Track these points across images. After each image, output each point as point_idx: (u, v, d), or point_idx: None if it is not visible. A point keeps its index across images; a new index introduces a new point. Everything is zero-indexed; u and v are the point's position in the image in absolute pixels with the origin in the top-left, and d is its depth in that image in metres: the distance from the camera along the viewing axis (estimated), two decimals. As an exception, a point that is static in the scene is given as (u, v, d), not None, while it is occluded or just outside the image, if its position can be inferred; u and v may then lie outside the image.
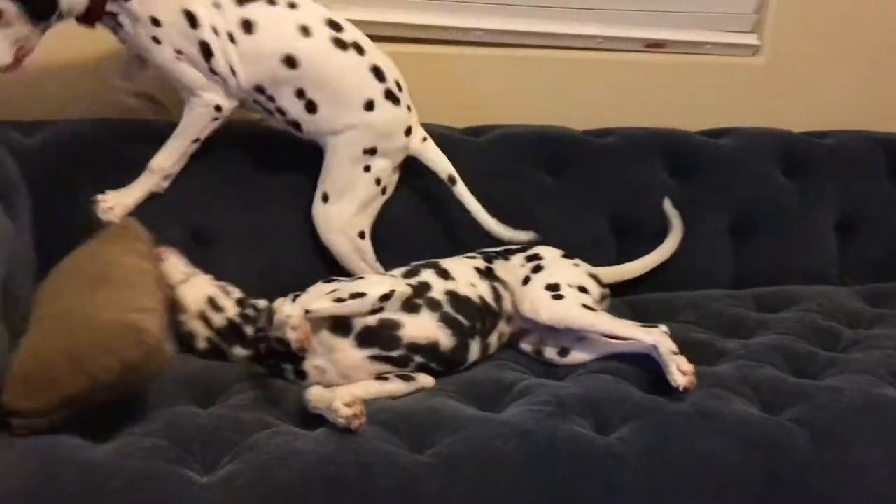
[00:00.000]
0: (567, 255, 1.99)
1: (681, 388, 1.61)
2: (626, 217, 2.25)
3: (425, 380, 1.69)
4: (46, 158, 1.91)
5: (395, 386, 1.66)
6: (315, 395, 1.50)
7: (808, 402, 1.66)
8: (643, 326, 1.77)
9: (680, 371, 1.63)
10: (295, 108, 1.89)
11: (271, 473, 1.35)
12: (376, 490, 1.38)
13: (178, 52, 1.82)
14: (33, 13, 1.66)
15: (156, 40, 1.81)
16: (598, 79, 2.44)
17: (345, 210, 1.94)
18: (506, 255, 1.98)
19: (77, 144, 1.95)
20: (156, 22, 1.80)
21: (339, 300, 1.65)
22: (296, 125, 1.92)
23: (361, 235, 1.97)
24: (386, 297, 1.68)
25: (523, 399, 1.63)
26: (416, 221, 2.12)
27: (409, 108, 1.99)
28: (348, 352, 1.68)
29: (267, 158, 2.06)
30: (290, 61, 1.85)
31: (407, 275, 1.82)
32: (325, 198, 1.94)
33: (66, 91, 2.03)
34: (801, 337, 1.96)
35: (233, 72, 1.84)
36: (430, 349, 1.71)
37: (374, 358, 1.69)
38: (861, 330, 2.05)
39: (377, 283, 1.74)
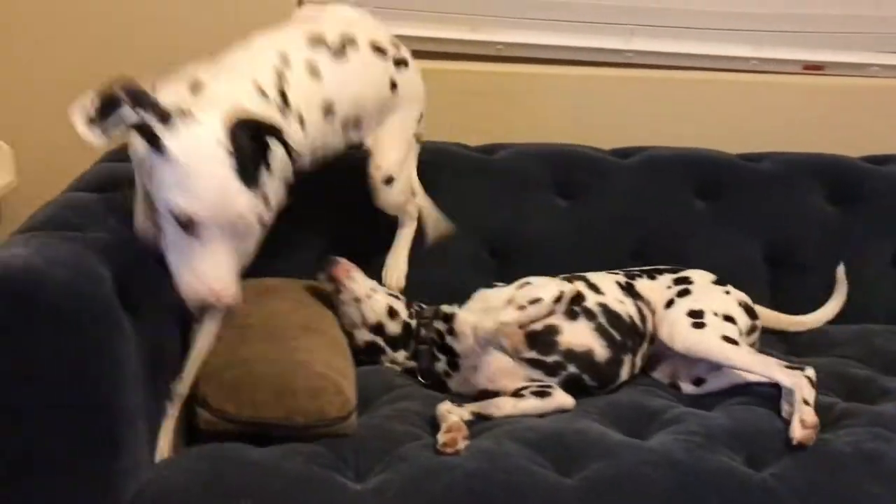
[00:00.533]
0: (719, 282, 1.93)
1: (795, 442, 1.52)
2: (782, 245, 2.17)
3: (564, 399, 1.68)
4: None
5: (530, 404, 1.66)
6: (440, 410, 1.57)
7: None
8: (786, 367, 1.68)
9: (801, 422, 1.54)
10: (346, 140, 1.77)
11: (421, 485, 1.38)
12: (520, 509, 1.38)
13: None
14: None
15: None
16: (753, 102, 2.38)
17: (405, 183, 1.89)
18: (652, 273, 1.95)
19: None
20: None
21: (522, 308, 1.67)
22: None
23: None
24: (558, 300, 1.69)
25: (671, 427, 1.60)
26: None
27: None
28: (504, 356, 1.69)
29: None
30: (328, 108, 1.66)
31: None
32: (389, 181, 1.84)
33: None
34: None
35: None
36: (585, 358, 1.71)
37: (529, 361, 1.70)
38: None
39: (545, 285, 1.75)
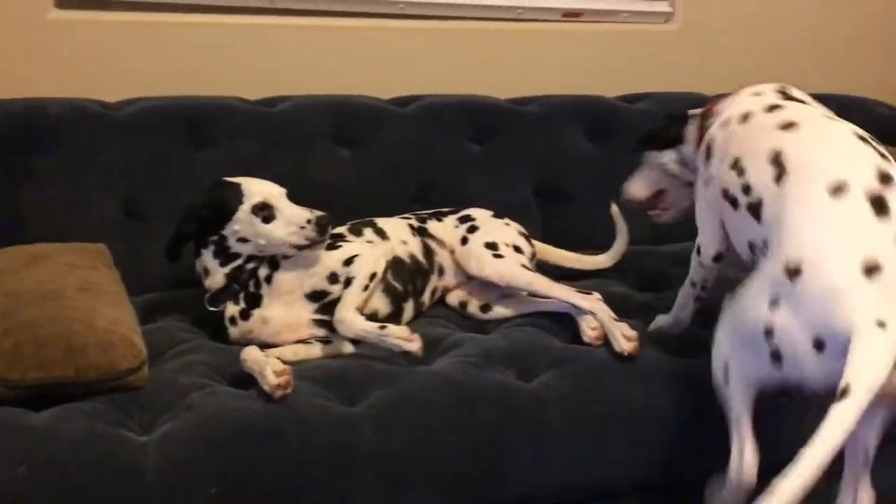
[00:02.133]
0: (497, 216, 2.07)
1: (625, 354, 1.68)
2: (550, 183, 2.34)
3: (348, 345, 1.73)
4: None
5: (315, 350, 1.73)
6: (251, 356, 1.56)
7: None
8: (579, 292, 1.84)
9: (625, 337, 1.70)
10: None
11: (209, 429, 1.41)
12: (312, 442, 1.44)
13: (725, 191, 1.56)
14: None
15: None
16: (518, 48, 2.52)
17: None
18: (438, 216, 2.05)
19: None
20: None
21: (367, 287, 1.74)
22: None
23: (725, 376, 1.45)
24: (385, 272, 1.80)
25: (451, 352, 1.72)
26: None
27: None
28: (303, 311, 1.74)
29: (203, 136, 2.10)
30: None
31: (352, 232, 1.90)
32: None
33: None
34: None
35: None
36: (369, 318, 1.75)
37: (316, 322, 1.75)
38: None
39: (378, 259, 1.80)
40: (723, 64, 2.70)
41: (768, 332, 1.27)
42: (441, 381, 1.59)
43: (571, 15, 2.61)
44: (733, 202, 1.50)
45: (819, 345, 1.22)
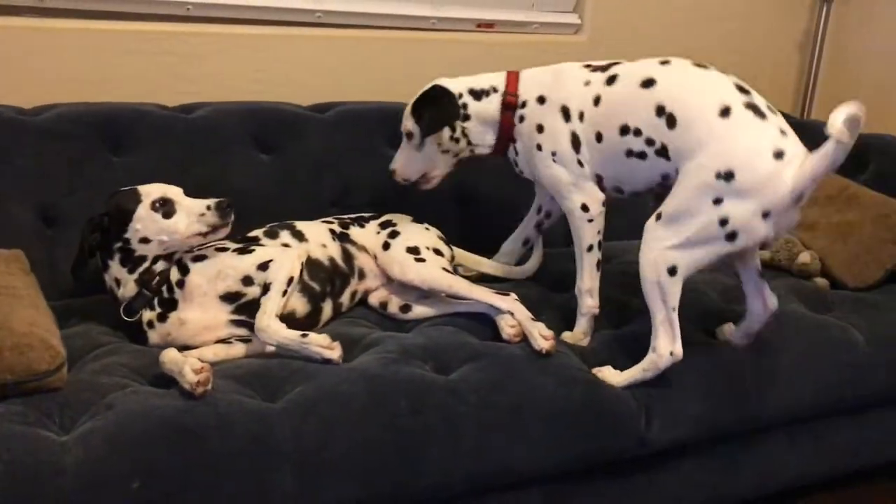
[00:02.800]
0: (416, 220, 2.14)
1: (544, 352, 1.77)
2: (468, 188, 2.41)
3: (266, 345, 1.76)
4: None
5: (237, 349, 1.77)
6: (169, 357, 1.59)
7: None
8: (497, 293, 1.91)
9: (542, 336, 1.79)
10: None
11: (129, 427, 1.44)
12: (232, 436, 1.48)
13: (553, 153, 1.91)
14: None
15: (539, 148, 1.93)
16: (435, 57, 2.60)
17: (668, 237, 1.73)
18: (360, 222, 2.11)
19: None
20: (540, 128, 1.92)
21: (286, 292, 1.77)
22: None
23: (672, 272, 1.71)
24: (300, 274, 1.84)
25: (371, 349, 1.77)
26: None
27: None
28: (219, 312, 1.77)
29: (121, 142, 2.11)
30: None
31: (268, 235, 1.94)
32: (659, 216, 1.74)
33: None
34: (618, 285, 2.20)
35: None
36: (287, 318, 1.80)
37: (235, 322, 1.78)
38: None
39: (280, 263, 1.80)
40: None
41: (723, 222, 1.66)
42: (359, 375, 1.64)
43: (485, 25, 2.71)
44: (641, 155, 1.82)
45: (766, 214, 1.65)
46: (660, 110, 1.76)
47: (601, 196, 1.91)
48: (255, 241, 1.92)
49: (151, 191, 1.76)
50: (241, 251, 1.82)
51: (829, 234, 2.37)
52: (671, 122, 1.75)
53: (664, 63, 1.84)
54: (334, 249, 1.98)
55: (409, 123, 2.05)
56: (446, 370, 1.73)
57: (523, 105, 1.97)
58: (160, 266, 1.77)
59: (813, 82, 3.16)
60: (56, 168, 2.05)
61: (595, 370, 1.81)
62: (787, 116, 2.81)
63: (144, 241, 1.74)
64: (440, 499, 1.67)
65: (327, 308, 1.93)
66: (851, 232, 2.33)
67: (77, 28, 2.22)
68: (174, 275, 1.77)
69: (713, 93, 1.74)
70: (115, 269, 1.76)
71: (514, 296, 1.91)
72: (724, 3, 2.99)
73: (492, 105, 2.00)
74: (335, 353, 1.68)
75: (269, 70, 2.43)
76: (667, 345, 1.73)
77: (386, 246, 2.02)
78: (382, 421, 1.58)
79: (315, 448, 1.52)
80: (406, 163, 2.08)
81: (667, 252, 1.71)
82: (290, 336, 1.70)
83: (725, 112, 1.69)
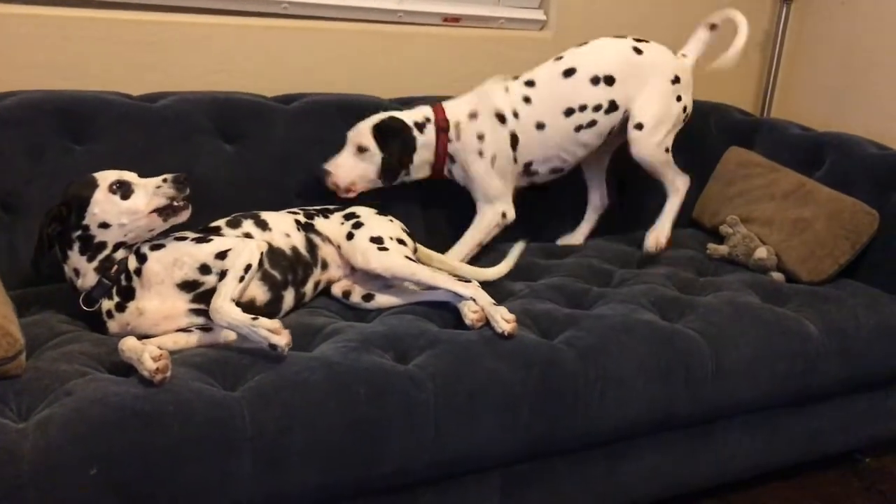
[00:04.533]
0: (380, 213, 2.16)
1: (506, 334, 1.82)
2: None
3: (228, 333, 1.76)
4: None
5: (196, 338, 1.76)
6: (128, 345, 1.59)
7: (577, 326, 1.91)
8: (459, 280, 1.94)
9: (504, 319, 1.83)
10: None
11: (88, 413, 1.43)
12: (192, 422, 1.48)
13: (493, 157, 2.24)
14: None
15: (480, 154, 2.23)
16: (400, 50, 2.61)
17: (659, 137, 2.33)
18: (325, 213, 2.12)
19: None
20: (480, 137, 2.22)
21: (243, 279, 1.76)
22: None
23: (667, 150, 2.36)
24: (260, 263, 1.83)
25: (332, 338, 1.79)
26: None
27: None
28: (177, 301, 1.77)
29: (83, 131, 2.10)
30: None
31: (230, 224, 1.94)
32: (640, 127, 2.30)
33: None
34: (578, 277, 2.23)
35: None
36: (247, 305, 1.81)
37: (195, 311, 1.78)
38: (633, 269, 2.35)
39: (252, 251, 1.81)
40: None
41: (684, 109, 2.37)
42: (319, 363, 1.65)
43: (451, 20, 2.73)
44: (591, 124, 2.29)
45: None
46: (595, 80, 2.26)
47: (513, 211, 2.29)
48: (217, 231, 1.92)
49: (107, 175, 1.76)
50: (200, 240, 1.82)
51: (785, 230, 2.42)
52: (609, 81, 2.26)
53: (559, 58, 2.33)
54: (298, 239, 1.99)
55: (366, 140, 2.20)
56: (405, 359, 1.75)
57: (456, 125, 2.24)
58: (120, 254, 1.76)
59: (773, 81, 3.22)
60: (16, 155, 2.03)
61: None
62: (746, 115, 2.95)
63: (104, 225, 1.73)
64: (401, 485, 1.69)
65: (289, 297, 1.94)
66: (807, 228, 2.38)
67: (39, 14, 2.20)
68: (132, 263, 1.77)
69: (616, 41, 2.34)
70: (75, 258, 1.75)
71: (475, 283, 1.94)
72: (686, 1, 3.03)
73: (430, 134, 2.24)
74: (283, 338, 1.65)
75: (234, 60, 2.42)
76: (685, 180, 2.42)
77: (350, 236, 2.03)
78: (342, 409, 1.59)
79: (275, 435, 1.53)
80: (346, 172, 2.21)
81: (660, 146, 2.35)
82: (240, 318, 1.67)
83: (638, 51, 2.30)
